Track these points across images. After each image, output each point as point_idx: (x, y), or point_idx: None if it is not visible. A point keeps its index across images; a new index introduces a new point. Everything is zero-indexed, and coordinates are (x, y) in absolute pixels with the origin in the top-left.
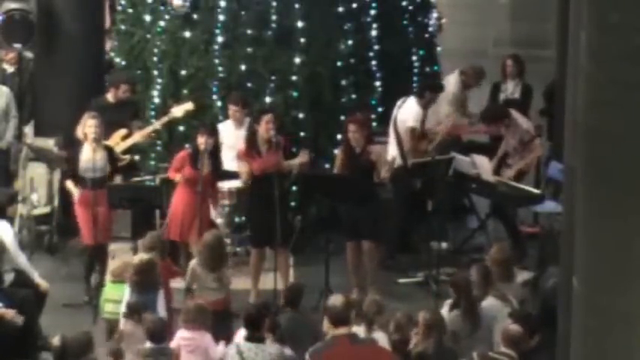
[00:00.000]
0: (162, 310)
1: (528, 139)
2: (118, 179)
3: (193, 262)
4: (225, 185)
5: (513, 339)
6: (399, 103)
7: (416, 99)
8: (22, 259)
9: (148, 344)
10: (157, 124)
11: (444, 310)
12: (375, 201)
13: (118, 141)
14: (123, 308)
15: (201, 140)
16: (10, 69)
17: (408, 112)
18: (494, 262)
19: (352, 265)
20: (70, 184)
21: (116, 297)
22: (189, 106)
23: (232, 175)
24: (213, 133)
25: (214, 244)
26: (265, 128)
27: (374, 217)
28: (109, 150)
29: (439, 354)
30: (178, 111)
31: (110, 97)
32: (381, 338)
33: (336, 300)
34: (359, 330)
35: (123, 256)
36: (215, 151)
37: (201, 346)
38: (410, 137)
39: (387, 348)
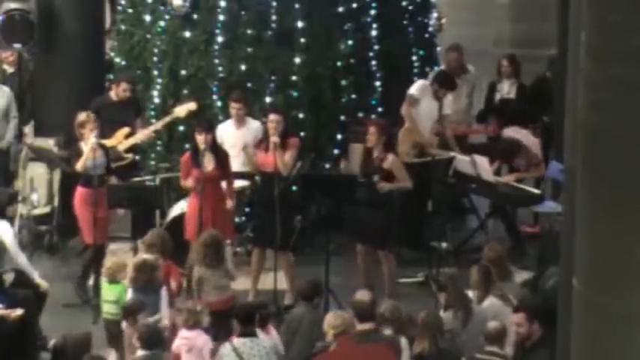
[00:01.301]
0: (164, 309)
1: (535, 162)
2: (114, 179)
3: (196, 269)
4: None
5: (492, 334)
6: None
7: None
8: (22, 259)
9: (141, 352)
10: (159, 124)
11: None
12: (387, 206)
13: (120, 139)
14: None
15: (200, 138)
16: (10, 69)
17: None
18: (488, 262)
19: (365, 267)
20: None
21: (112, 297)
22: (192, 106)
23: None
24: (211, 129)
25: (209, 242)
26: (268, 127)
27: (387, 224)
28: (106, 149)
29: (437, 354)
30: (181, 111)
31: (113, 95)
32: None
33: (363, 296)
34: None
35: (123, 256)
36: (215, 147)
37: (196, 346)
38: (407, 103)
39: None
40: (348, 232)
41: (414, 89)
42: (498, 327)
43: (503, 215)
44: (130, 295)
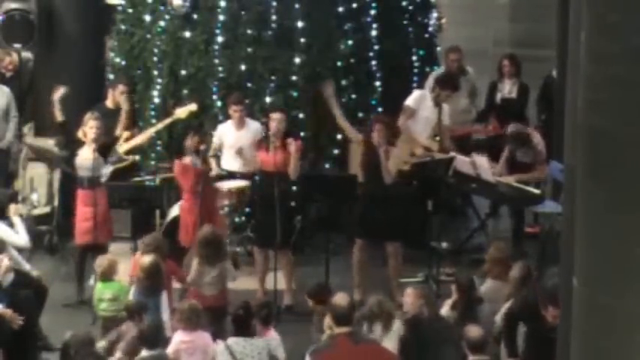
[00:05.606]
0: (165, 313)
1: (540, 160)
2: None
3: (194, 261)
4: (225, 185)
5: (473, 343)
6: None
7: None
8: (13, 252)
9: (144, 352)
10: (160, 125)
11: (444, 310)
12: (395, 201)
13: (121, 142)
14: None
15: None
16: (8, 74)
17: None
18: (492, 261)
19: (359, 265)
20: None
21: (109, 296)
22: (193, 107)
23: (232, 175)
24: (197, 131)
25: (210, 238)
26: (270, 126)
27: (396, 218)
28: (106, 152)
29: (431, 321)
30: (182, 112)
31: (109, 102)
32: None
33: (341, 299)
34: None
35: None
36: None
37: (200, 347)
38: (403, 115)
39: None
40: (377, 232)
41: (410, 100)
42: (479, 335)
43: (514, 216)
44: (132, 295)
